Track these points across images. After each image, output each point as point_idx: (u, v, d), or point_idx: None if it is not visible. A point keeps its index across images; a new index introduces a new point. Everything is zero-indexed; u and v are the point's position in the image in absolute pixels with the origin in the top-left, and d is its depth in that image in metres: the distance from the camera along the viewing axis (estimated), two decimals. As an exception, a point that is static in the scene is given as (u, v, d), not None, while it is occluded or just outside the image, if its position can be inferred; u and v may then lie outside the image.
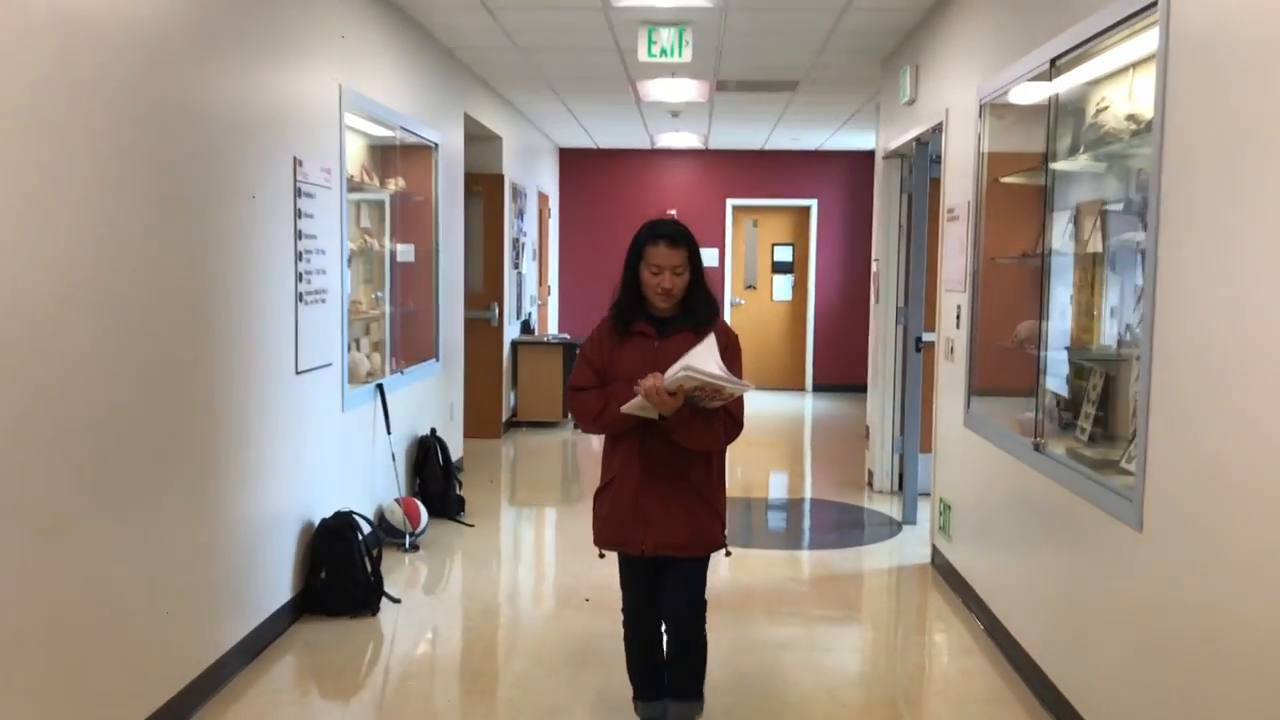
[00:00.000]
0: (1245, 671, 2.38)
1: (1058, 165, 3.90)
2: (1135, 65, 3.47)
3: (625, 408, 2.94)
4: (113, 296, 3.00)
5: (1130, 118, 3.40)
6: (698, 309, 3.13)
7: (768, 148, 12.08)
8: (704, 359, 2.85)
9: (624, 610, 3.31)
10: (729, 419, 3.02)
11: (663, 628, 3.28)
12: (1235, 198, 2.47)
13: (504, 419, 9.17)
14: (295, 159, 4.30)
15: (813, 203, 12.41)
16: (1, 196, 2.51)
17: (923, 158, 6.21)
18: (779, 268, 12.57)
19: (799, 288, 12.54)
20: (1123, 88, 3.57)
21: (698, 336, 3.00)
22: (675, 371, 2.81)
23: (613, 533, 3.18)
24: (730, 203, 12.45)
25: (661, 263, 3.04)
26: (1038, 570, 3.85)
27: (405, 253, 6.21)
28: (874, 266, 7.28)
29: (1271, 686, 2.27)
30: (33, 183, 2.64)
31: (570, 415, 3.06)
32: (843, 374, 11.97)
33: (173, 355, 3.36)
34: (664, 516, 3.09)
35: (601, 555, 3.28)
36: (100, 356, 2.95)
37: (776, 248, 12.55)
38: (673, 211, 12.14)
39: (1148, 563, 2.88)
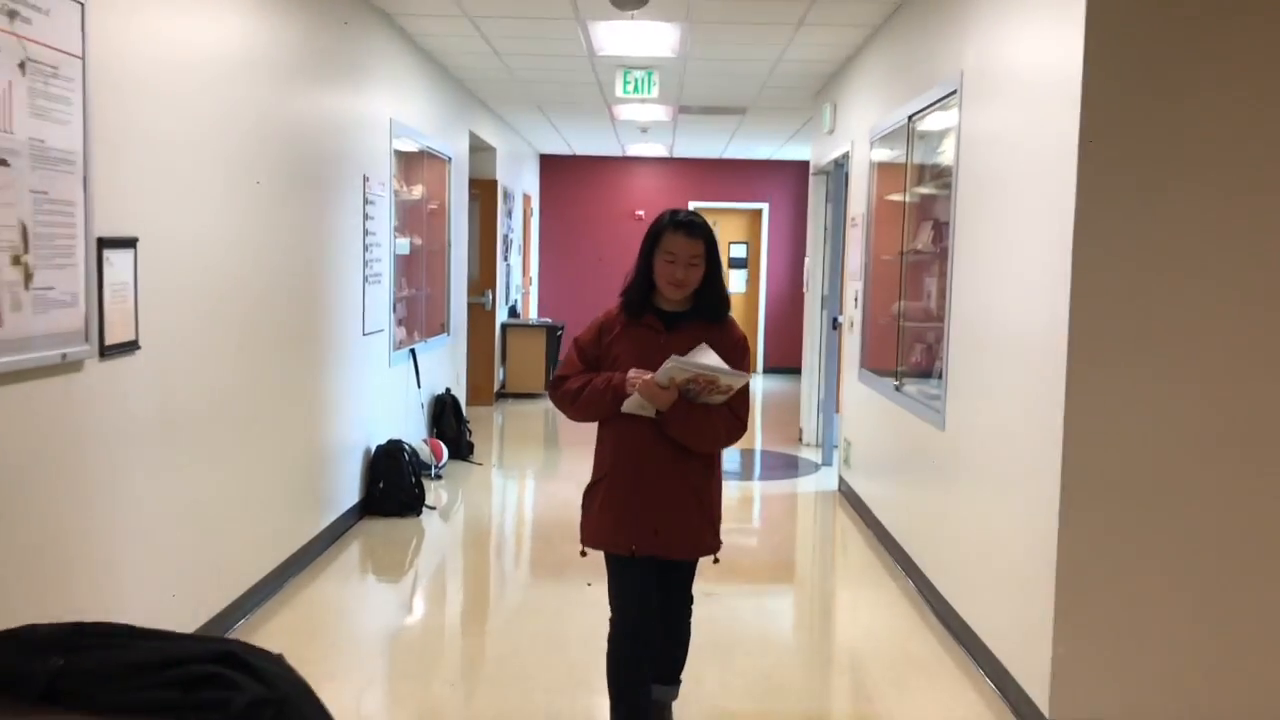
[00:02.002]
0: (989, 491, 3.99)
1: (920, 189, 5.50)
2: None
3: (624, 406, 2.86)
4: (265, 276, 4.51)
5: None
6: (710, 305, 3.01)
7: (725, 156, 13.68)
8: (698, 352, 2.84)
9: (613, 628, 3.03)
10: (731, 417, 2.92)
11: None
12: (981, 230, 4.07)
13: (495, 390, 10.71)
14: (364, 176, 5.82)
15: (764, 205, 14.03)
16: (215, 211, 4.03)
17: (840, 175, 7.81)
18: (735, 263, 14.17)
19: (752, 281, 14.14)
20: (952, 139, 5.17)
21: (707, 332, 2.94)
22: (666, 365, 2.76)
23: (603, 532, 3.00)
24: (692, 204, 14.02)
25: (677, 251, 2.91)
26: (896, 472, 5.46)
27: (421, 246, 7.73)
28: (806, 262, 8.89)
29: (999, 493, 3.88)
30: (227, 201, 4.15)
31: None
32: (788, 357, 13.58)
33: (291, 317, 4.86)
34: (658, 516, 2.93)
35: (584, 553, 3.10)
36: (257, 318, 4.47)
37: (732, 245, 14.15)
38: (641, 212, 13.73)
39: (947, 448, 4.49)
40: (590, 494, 3.08)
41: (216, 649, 2.46)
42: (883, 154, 6.13)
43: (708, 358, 2.83)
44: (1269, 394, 3.22)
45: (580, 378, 2.98)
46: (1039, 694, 3.37)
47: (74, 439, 3.00)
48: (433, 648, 4.31)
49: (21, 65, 2.65)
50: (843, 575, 5.52)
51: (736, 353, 2.97)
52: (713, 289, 3.00)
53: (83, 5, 2.91)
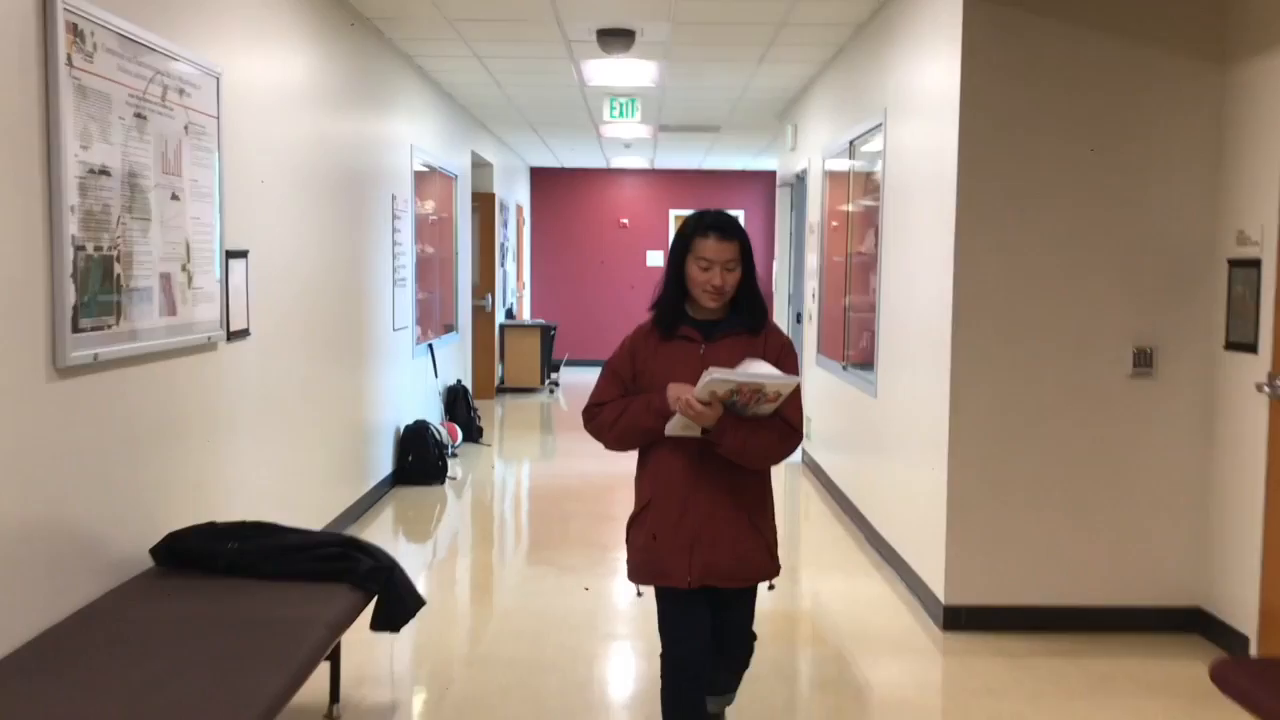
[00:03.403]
0: (905, 442, 5.06)
1: (863, 201, 6.56)
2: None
3: (667, 430, 2.64)
4: (325, 279, 5.54)
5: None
6: (749, 311, 2.78)
7: (704, 167, 14.76)
8: (744, 367, 2.62)
9: (664, 661, 2.82)
10: (785, 427, 2.67)
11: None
12: (901, 233, 5.15)
13: (496, 385, 11.74)
14: (393, 195, 6.86)
15: (740, 212, 15.08)
16: (293, 226, 5.05)
17: (801, 187, 8.88)
18: (713, 266, 15.21)
19: (729, 283, 15.18)
20: (880, 161, 6.25)
21: (750, 342, 2.73)
22: (703, 379, 2.52)
23: (654, 563, 2.75)
24: (673, 212, 15.11)
25: (712, 257, 2.68)
26: (843, 437, 6.52)
27: (433, 254, 8.76)
28: (774, 264, 9.97)
29: (912, 443, 4.94)
30: (300, 218, 5.18)
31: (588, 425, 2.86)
32: (765, 353, 14.67)
33: (342, 314, 5.88)
34: (713, 540, 2.70)
35: (639, 594, 2.91)
36: (321, 314, 5.50)
37: (711, 250, 15.18)
38: (625, 220, 14.80)
39: (878, 413, 5.56)
40: (634, 525, 2.83)
41: (339, 538, 3.59)
42: (833, 169, 7.20)
43: (749, 365, 2.61)
44: (1088, 360, 4.29)
45: (617, 404, 2.75)
46: (937, 587, 4.44)
47: (211, 401, 4.02)
48: (463, 579, 5.34)
49: (186, 127, 3.69)
50: (803, 524, 6.56)
51: (783, 358, 2.74)
52: (750, 295, 2.77)
53: (218, 79, 3.95)
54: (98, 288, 3.11)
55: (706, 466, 2.70)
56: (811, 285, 7.77)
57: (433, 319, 8.65)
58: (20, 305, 2.79)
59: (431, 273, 8.67)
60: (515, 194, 13.48)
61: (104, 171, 3.13)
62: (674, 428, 2.65)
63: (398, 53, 6.98)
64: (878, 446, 5.59)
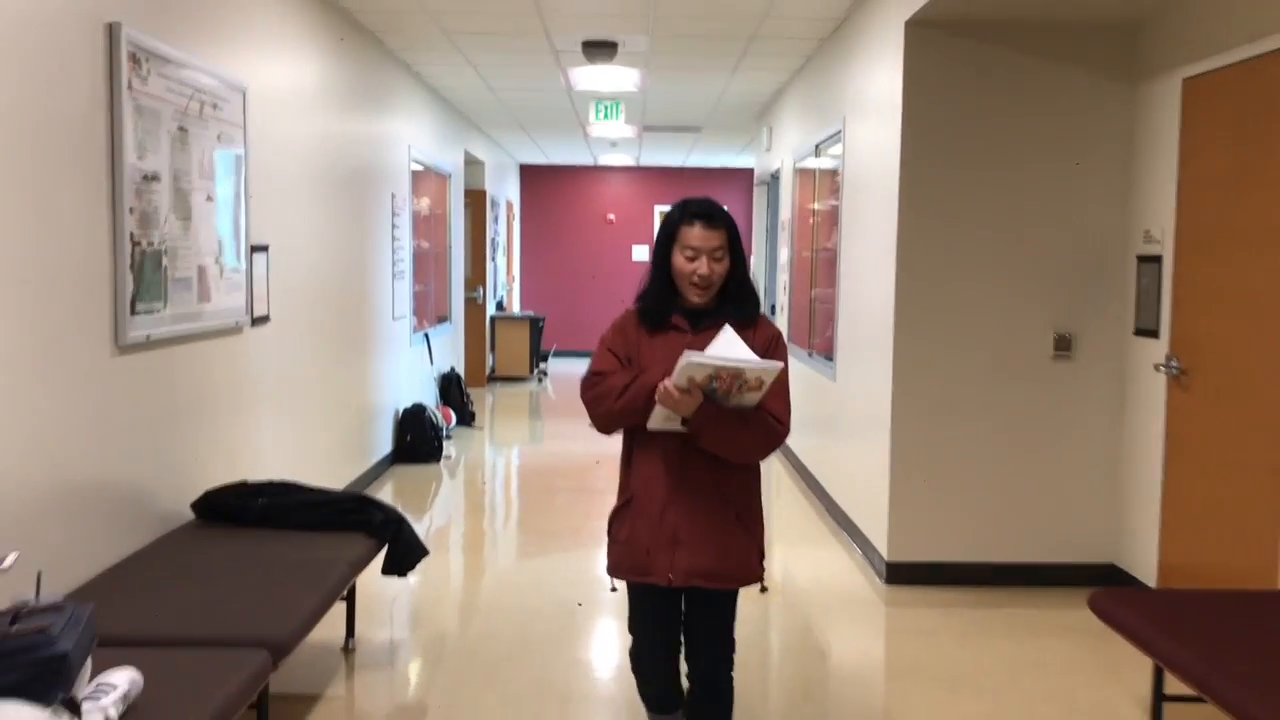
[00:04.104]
0: (857, 420, 5.61)
1: (829, 200, 7.10)
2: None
3: (649, 424, 2.54)
4: (333, 271, 6.06)
5: (847, 180, 6.61)
6: (739, 303, 2.65)
7: (687, 165, 15.29)
8: (717, 341, 2.48)
9: (631, 656, 2.84)
10: (769, 419, 2.54)
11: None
12: (856, 231, 5.70)
13: (486, 373, 12.27)
14: (392, 194, 7.38)
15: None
16: (306, 222, 5.57)
17: (776, 186, 9.43)
18: (697, 260, 15.75)
19: (712, 276, 15.72)
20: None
21: (740, 333, 2.54)
22: (680, 363, 2.40)
23: (635, 559, 2.65)
24: (657, 208, 15.63)
25: (698, 245, 2.57)
26: (809, 419, 7.07)
27: (428, 248, 9.28)
28: (751, 259, 10.51)
29: (862, 420, 5.50)
30: (311, 215, 5.69)
31: (590, 411, 2.68)
32: (746, 344, 15.22)
33: (348, 303, 6.40)
34: (697, 538, 2.59)
35: (614, 589, 2.77)
36: (330, 303, 6.02)
37: (694, 244, 15.72)
38: (611, 216, 15.33)
39: (836, 395, 6.11)
40: (616, 519, 2.73)
41: (354, 495, 4.14)
42: (802, 169, 7.75)
43: (727, 347, 2.45)
44: (1015, 345, 4.85)
45: (624, 373, 2.61)
46: (882, 547, 5.00)
47: (238, 378, 4.54)
48: (460, 542, 5.89)
49: (219, 136, 4.21)
50: (772, 499, 7.11)
51: (770, 347, 2.62)
52: (740, 285, 2.66)
53: (244, 93, 4.46)
54: (149, 278, 3.63)
55: (692, 461, 2.59)
56: (783, 279, 8.31)
57: (428, 310, 9.17)
58: (91, 292, 3.31)
59: (427, 266, 9.19)
60: (505, 190, 14.00)
61: (154, 178, 3.66)
62: (655, 420, 2.53)
63: (396, 60, 7.50)
64: (836, 426, 6.15)
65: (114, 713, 2.23)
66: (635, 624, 2.79)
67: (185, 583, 3.20)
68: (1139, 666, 3.77)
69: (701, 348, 2.47)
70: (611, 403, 2.59)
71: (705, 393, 2.45)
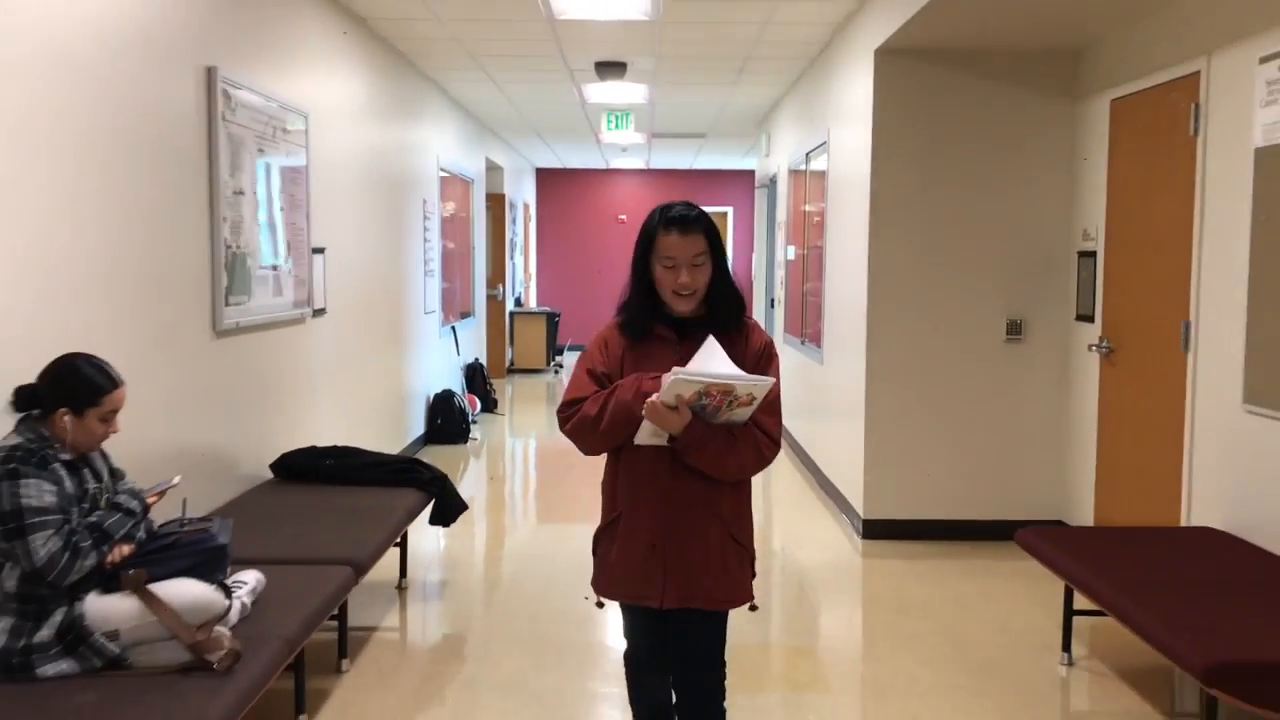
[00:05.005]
0: (840, 398, 6.34)
1: (820, 203, 7.81)
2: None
3: (636, 439, 2.43)
4: (377, 268, 6.82)
5: (834, 184, 7.33)
6: (724, 307, 2.53)
7: (695, 167, 16.03)
8: (704, 360, 2.36)
9: (627, 662, 2.74)
10: (760, 437, 2.43)
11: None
12: (838, 231, 6.43)
13: (506, 365, 13.04)
14: (424, 200, 8.14)
15: (729, 209, 16.38)
16: (356, 226, 6.33)
17: (775, 189, 10.15)
18: (705, 258, 16.46)
19: (720, 273, 16.44)
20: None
21: (729, 341, 2.45)
22: (667, 379, 2.29)
23: (624, 584, 2.56)
24: (667, 209, 16.33)
25: (676, 254, 2.45)
26: (802, 401, 7.80)
27: (454, 249, 10.03)
28: (753, 257, 11.23)
29: (843, 398, 6.22)
30: (360, 218, 6.45)
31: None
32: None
33: (388, 298, 7.16)
34: (690, 563, 2.49)
35: (600, 604, 2.65)
36: (374, 298, 6.78)
37: (703, 243, 16.44)
38: (623, 216, 16.08)
39: (823, 377, 6.84)
40: (602, 538, 2.62)
41: (405, 457, 4.92)
42: (796, 173, 8.47)
43: (716, 364, 2.35)
44: (972, 330, 5.57)
45: (597, 398, 2.48)
46: (859, 506, 5.73)
47: (302, 362, 5.30)
48: (491, 506, 6.65)
49: (288, 154, 4.97)
50: (769, 474, 7.84)
51: (760, 362, 2.51)
52: (722, 290, 2.53)
53: (306, 116, 5.22)
54: (238, 274, 4.39)
55: (681, 477, 2.45)
56: (780, 275, 9.04)
57: (454, 305, 9.93)
58: (197, 286, 4.07)
59: (452, 265, 9.95)
60: (523, 193, 14.76)
61: (240, 192, 4.41)
62: (642, 436, 2.42)
63: (424, 77, 8.25)
64: (823, 405, 6.88)
65: (247, 600, 2.99)
66: (630, 629, 2.69)
67: (276, 522, 3.97)
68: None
69: (688, 357, 2.39)
70: (590, 435, 2.49)
71: (694, 409, 2.35)
